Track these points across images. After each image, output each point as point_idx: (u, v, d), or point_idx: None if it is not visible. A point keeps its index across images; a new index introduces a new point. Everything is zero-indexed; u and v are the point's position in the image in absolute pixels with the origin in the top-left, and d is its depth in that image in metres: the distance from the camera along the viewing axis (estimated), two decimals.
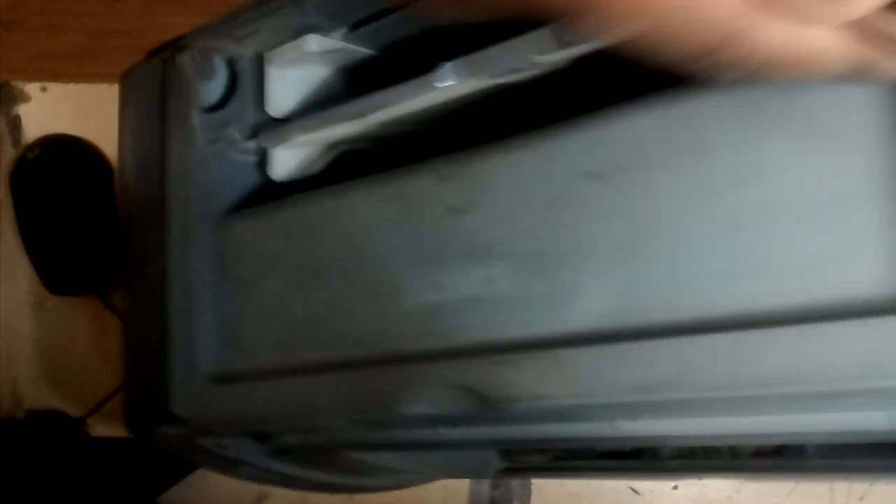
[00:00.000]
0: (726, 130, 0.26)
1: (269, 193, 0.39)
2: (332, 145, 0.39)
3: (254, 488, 0.65)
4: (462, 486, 0.60)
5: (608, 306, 0.28)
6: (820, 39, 0.19)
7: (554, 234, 0.29)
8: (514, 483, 0.59)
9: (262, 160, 0.40)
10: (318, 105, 0.38)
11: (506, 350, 0.29)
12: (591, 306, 0.28)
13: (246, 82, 0.39)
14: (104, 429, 0.68)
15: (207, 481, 0.65)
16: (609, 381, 0.26)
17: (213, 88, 0.39)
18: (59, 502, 0.54)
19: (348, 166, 0.38)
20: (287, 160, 0.39)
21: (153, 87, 0.40)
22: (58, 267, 0.67)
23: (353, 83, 0.40)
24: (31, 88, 0.72)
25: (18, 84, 0.72)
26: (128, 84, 0.42)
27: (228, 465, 0.44)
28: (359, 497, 0.62)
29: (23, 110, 0.71)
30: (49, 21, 0.72)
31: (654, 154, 0.27)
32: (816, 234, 0.24)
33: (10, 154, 0.70)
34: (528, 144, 0.30)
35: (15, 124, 0.71)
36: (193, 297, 0.38)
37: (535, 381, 0.28)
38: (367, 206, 0.34)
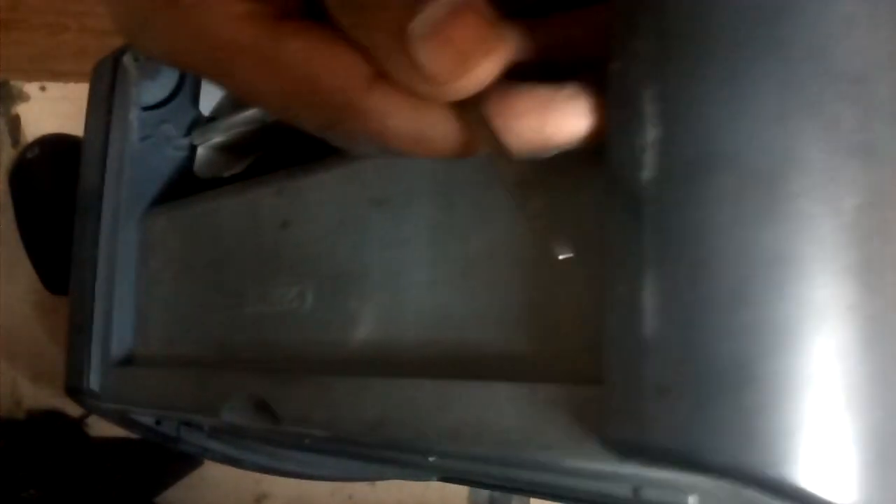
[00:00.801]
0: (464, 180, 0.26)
1: (198, 191, 0.41)
2: (253, 147, 0.40)
3: (254, 488, 0.65)
4: (462, 486, 0.60)
5: (367, 338, 0.28)
6: (433, 117, 0.19)
7: (346, 257, 0.29)
8: None
9: (192, 157, 0.42)
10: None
11: (297, 368, 0.29)
12: (358, 335, 0.28)
13: (188, 83, 0.42)
14: (104, 429, 0.68)
15: (207, 481, 0.65)
16: (346, 414, 0.26)
17: (157, 88, 0.41)
18: (59, 502, 0.54)
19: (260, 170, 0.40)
20: (211, 158, 0.41)
21: (105, 83, 0.42)
22: (57, 266, 0.67)
23: None
24: (31, 88, 0.72)
25: (18, 83, 0.72)
26: (91, 78, 0.44)
27: (170, 441, 0.45)
28: (357, 497, 0.62)
29: (22, 110, 0.71)
30: (48, 20, 0.72)
31: (424, 186, 0.27)
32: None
33: (9, 153, 0.70)
34: (335, 165, 0.30)
35: (14, 124, 0.71)
36: (114, 284, 0.40)
37: (308, 405, 0.28)
38: (231, 211, 0.36)
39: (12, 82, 0.72)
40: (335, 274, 0.29)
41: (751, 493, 0.17)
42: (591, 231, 0.21)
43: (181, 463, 0.63)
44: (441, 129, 0.19)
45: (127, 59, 0.41)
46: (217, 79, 0.21)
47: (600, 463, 0.20)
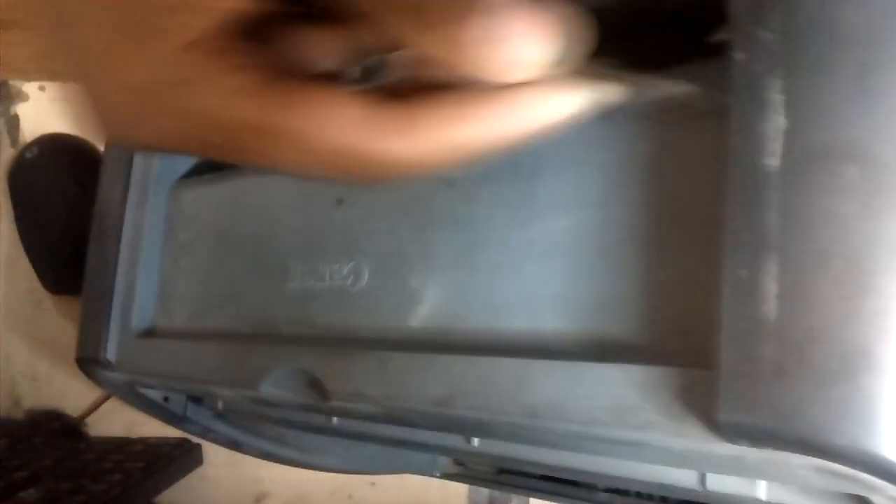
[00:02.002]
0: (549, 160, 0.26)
1: (221, 165, 0.41)
2: None
3: (254, 488, 0.65)
4: (461, 485, 0.60)
5: (432, 316, 0.28)
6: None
7: (409, 236, 0.29)
8: None
9: None
10: None
11: (353, 345, 0.29)
12: (420, 312, 0.28)
13: None
14: (103, 428, 0.68)
15: (207, 481, 0.65)
16: (408, 390, 0.26)
17: None
18: (59, 502, 0.54)
19: None
20: None
21: None
22: (56, 266, 0.67)
23: None
24: (30, 87, 0.72)
25: (17, 83, 0.72)
26: None
27: (175, 421, 0.45)
28: (357, 496, 0.62)
29: (21, 109, 0.71)
30: None
31: (499, 169, 0.27)
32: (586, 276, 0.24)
33: (8, 153, 0.70)
34: None
35: (13, 123, 0.71)
36: (140, 255, 0.40)
37: (365, 380, 0.28)
38: (275, 188, 0.35)
39: (11, 82, 0.72)
40: (395, 252, 0.29)
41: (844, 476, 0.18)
42: (696, 216, 0.22)
43: (181, 463, 0.63)
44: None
45: None
46: (231, 158, 0.20)
47: (699, 443, 0.21)
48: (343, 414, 0.33)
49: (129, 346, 0.40)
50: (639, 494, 0.42)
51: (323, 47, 0.20)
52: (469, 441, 0.32)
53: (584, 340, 0.24)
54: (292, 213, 0.34)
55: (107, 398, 0.67)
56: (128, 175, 0.41)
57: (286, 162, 0.19)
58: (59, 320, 0.70)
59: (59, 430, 0.66)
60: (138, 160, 0.41)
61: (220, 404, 0.42)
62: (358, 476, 0.60)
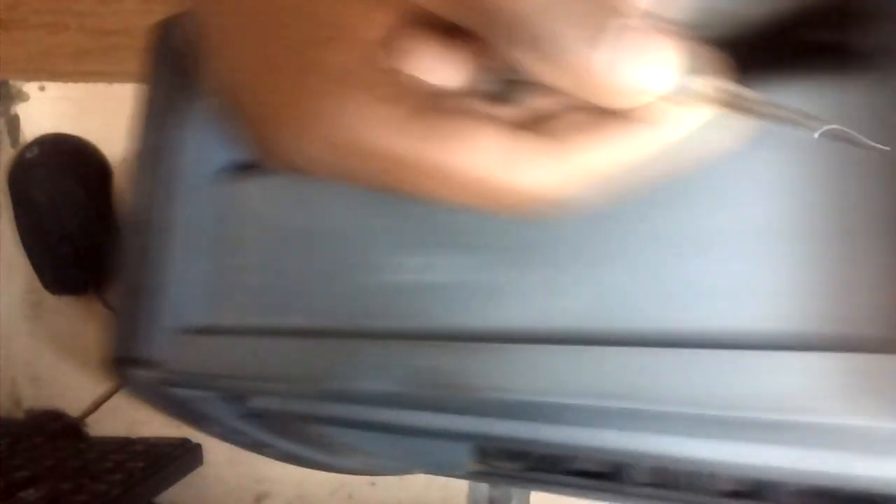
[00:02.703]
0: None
1: None
2: None
3: (254, 488, 0.65)
4: (462, 485, 0.60)
5: (589, 309, 0.27)
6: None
7: (543, 229, 0.29)
8: None
9: None
10: None
11: (481, 339, 0.29)
12: (572, 307, 0.28)
13: None
14: (103, 428, 0.68)
15: (207, 481, 0.65)
16: (585, 383, 0.26)
17: None
18: (59, 502, 0.54)
19: None
20: None
21: (178, 41, 0.41)
22: (56, 266, 0.67)
23: None
24: (30, 87, 0.72)
25: (17, 83, 0.72)
26: (156, 35, 0.43)
27: (200, 421, 0.44)
28: (357, 496, 0.62)
29: (21, 109, 0.71)
30: (48, 20, 0.72)
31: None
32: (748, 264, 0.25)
33: (8, 153, 0.70)
34: None
35: (13, 123, 0.71)
36: (184, 250, 0.39)
37: (508, 374, 0.28)
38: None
39: (11, 82, 0.72)
40: (509, 247, 0.29)
41: None
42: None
43: (182, 463, 0.63)
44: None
45: None
46: (379, 188, 0.20)
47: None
48: (460, 410, 0.32)
49: (175, 345, 0.38)
50: (682, 485, 0.42)
51: (456, 66, 0.20)
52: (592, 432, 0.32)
53: (767, 330, 0.24)
54: (381, 208, 0.33)
55: (107, 398, 0.67)
56: (167, 168, 0.39)
57: (433, 192, 0.19)
58: (59, 320, 0.70)
59: (59, 430, 0.66)
60: (177, 153, 0.39)
61: (259, 403, 0.41)
62: (358, 476, 0.60)
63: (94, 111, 0.70)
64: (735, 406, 0.23)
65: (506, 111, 0.20)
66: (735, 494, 0.43)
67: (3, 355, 0.69)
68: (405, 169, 0.19)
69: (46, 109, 0.71)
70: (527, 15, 0.17)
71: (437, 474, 0.59)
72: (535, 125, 0.19)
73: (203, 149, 0.39)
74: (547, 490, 0.50)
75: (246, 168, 0.39)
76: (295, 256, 0.36)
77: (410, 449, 0.49)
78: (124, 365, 0.39)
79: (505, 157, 0.19)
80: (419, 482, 0.61)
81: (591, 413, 0.27)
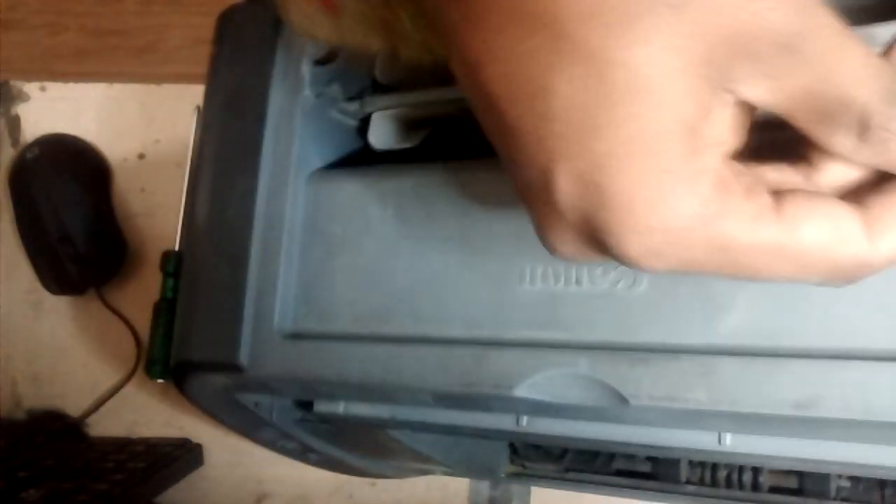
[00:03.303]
0: None
1: (361, 158, 0.39)
2: (429, 121, 0.39)
3: (254, 488, 0.65)
4: (462, 485, 0.60)
5: (762, 321, 0.28)
6: None
7: None
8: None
9: (362, 124, 0.39)
10: (426, 80, 0.37)
11: (646, 350, 0.29)
12: (744, 320, 0.28)
13: None
14: (104, 429, 0.68)
15: (208, 481, 0.65)
16: (765, 394, 0.27)
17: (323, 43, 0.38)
18: (59, 502, 0.54)
19: (441, 143, 0.38)
20: (388, 129, 0.38)
21: (263, 29, 0.39)
22: (56, 266, 0.67)
23: None
24: (31, 88, 0.72)
25: (17, 83, 0.72)
26: (227, 23, 0.41)
27: (252, 426, 0.43)
28: (358, 497, 0.62)
29: (22, 110, 0.71)
30: (48, 21, 0.72)
31: None
32: None
33: (8, 153, 0.70)
34: None
35: (14, 124, 0.71)
36: (278, 249, 0.37)
37: (681, 384, 0.28)
38: (495, 187, 0.33)
39: (12, 82, 0.72)
40: None
41: None
42: None
43: (182, 463, 0.63)
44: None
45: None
46: (729, 277, 0.20)
47: None
48: (611, 420, 0.33)
49: (269, 350, 0.36)
50: (727, 482, 0.43)
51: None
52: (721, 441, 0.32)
53: None
54: (521, 215, 0.33)
55: (108, 398, 0.67)
56: (257, 164, 0.38)
57: (776, 274, 0.20)
58: (59, 320, 0.70)
59: (60, 430, 0.66)
60: (269, 147, 0.38)
61: (325, 408, 0.40)
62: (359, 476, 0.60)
63: (94, 112, 0.70)
64: None
65: (823, 184, 0.20)
66: (776, 490, 0.43)
67: (3, 355, 0.69)
68: (763, 257, 0.19)
69: (47, 110, 0.71)
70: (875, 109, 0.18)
71: (472, 477, 0.59)
72: (864, 198, 0.20)
73: (306, 145, 0.38)
74: (585, 490, 0.50)
75: (344, 167, 0.39)
76: (414, 260, 0.35)
77: (460, 451, 0.49)
78: (202, 370, 0.38)
79: (859, 239, 0.19)
80: (419, 482, 0.61)
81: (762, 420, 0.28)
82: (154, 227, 0.68)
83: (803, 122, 0.19)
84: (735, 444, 0.31)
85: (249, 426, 0.43)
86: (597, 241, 0.20)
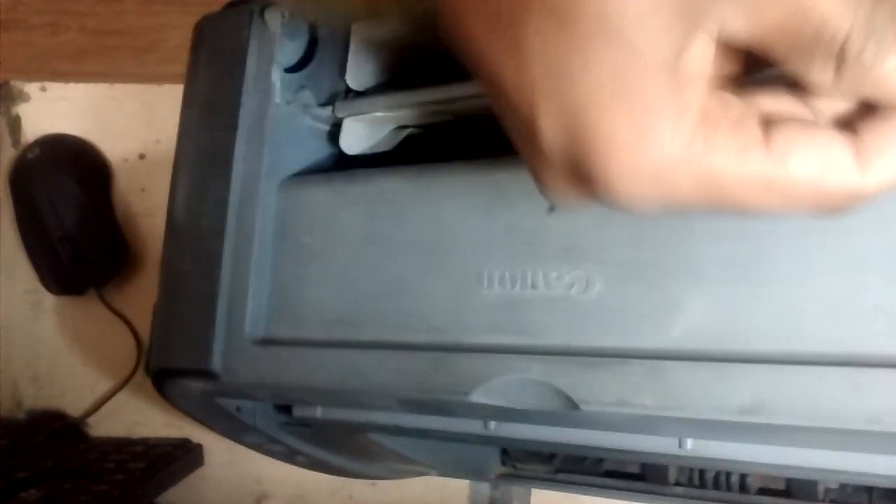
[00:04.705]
0: None
1: (334, 163, 0.39)
2: (403, 125, 0.39)
3: (254, 488, 0.65)
4: (462, 485, 0.60)
5: (714, 326, 0.28)
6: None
7: (661, 247, 0.29)
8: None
9: (334, 130, 0.40)
10: (400, 85, 0.38)
11: (597, 354, 0.29)
12: (695, 324, 0.28)
13: (325, 48, 0.39)
14: (104, 429, 0.68)
15: (208, 482, 0.65)
16: (712, 399, 0.27)
17: (294, 49, 0.39)
18: (59, 502, 0.54)
19: (413, 146, 0.38)
20: (360, 134, 0.39)
21: (234, 38, 0.39)
22: (56, 266, 0.67)
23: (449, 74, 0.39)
24: (31, 88, 0.72)
25: (18, 84, 0.72)
26: (203, 32, 0.41)
27: (238, 431, 0.43)
28: (358, 497, 0.62)
29: (22, 110, 0.71)
30: (48, 20, 0.72)
31: None
32: None
33: (9, 154, 0.70)
34: None
35: (14, 124, 0.71)
36: (249, 256, 0.37)
37: (630, 389, 0.28)
38: (459, 191, 0.33)
39: (12, 82, 0.72)
40: (641, 262, 0.29)
41: None
42: None
43: (182, 463, 0.63)
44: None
45: (272, 15, 0.38)
46: (714, 210, 0.20)
47: None
48: (570, 425, 0.33)
49: (241, 357, 0.36)
50: (715, 483, 0.44)
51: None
52: (682, 445, 0.32)
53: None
54: (482, 219, 0.33)
55: (108, 398, 0.67)
56: (229, 172, 0.38)
57: (765, 207, 0.19)
58: (59, 321, 0.70)
59: (60, 430, 0.66)
60: (240, 155, 0.38)
61: (306, 413, 0.40)
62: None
63: (94, 112, 0.70)
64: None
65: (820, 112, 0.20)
66: (764, 491, 0.44)
67: (4, 355, 0.69)
68: (749, 190, 0.19)
69: (47, 110, 0.71)
70: (855, 34, 0.17)
71: (464, 478, 0.59)
72: (853, 127, 0.19)
73: (277, 153, 0.38)
74: (576, 491, 0.50)
75: (315, 174, 0.39)
76: (381, 266, 0.35)
77: (447, 454, 0.50)
78: (179, 376, 0.38)
79: (850, 166, 0.19)
80: (419, 483, 0.61)
81: (715, 426, 0.28)
82: (154, 227, 0.68)
83: (781, 54, 0.18)
84: (697, 448, 0.32)
85: (234, 430, 0.43)
86: (586, 185, 0.20)
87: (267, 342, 0.36)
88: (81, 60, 0.71)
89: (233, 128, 0.38)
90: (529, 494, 0.59)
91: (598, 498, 0.51)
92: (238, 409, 0.41)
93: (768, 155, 0.19)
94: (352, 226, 0.36)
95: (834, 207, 0.19)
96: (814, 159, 0.19)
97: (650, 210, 0.20)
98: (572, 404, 0.29)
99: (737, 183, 0.19)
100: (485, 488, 0.60)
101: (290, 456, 0.47)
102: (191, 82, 0.41)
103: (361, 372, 0.34)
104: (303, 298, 0.36)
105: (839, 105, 0.20)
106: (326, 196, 0.37)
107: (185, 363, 0.38)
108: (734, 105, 0.19)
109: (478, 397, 0.31)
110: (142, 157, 0.70)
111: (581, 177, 0.19)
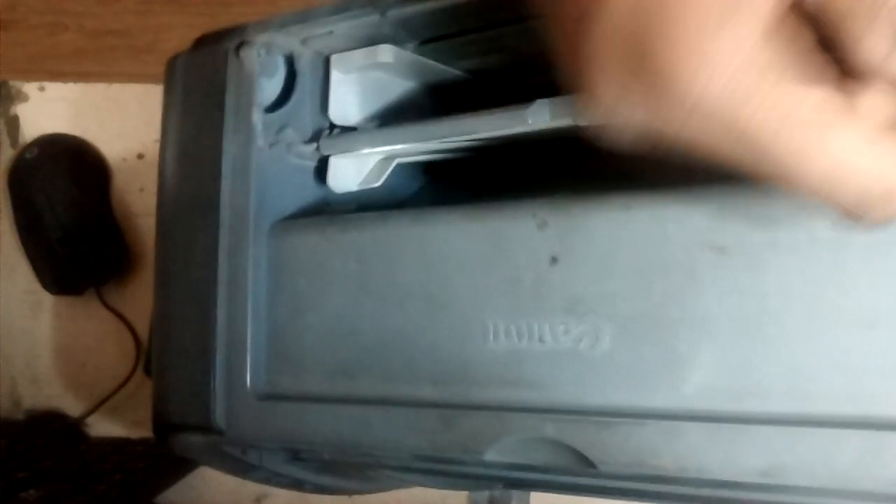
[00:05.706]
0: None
1: (324, 201, 0.38)
2: (389, 158, 0.38)
3: (254, 488, 0.65)
4: None
5: (728, 384, 0.27)
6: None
7: (669, 302, 0.28)
8: None
9: (320, 166, 0.38)
10: (384, 117, 0.37)
11: (611, 413, 0.28)
12: (709, 382, 0.27)
13: (305, 83, 0.38)
14: (104, 429, 0.68)
15: (207, 481, 0.65)
16: (730, 462, 0.26)
17: (273, 87, 0.37)
18: (59, 502, 0.54)
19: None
20: (348, 171, 0.37)
21: (210, 79, 0.38)
22: (55, 266, 0.67)
23: (432, 103, 0.39)
24: (30, 88, 0.72)
25: (17, 83, 0.71)
26: (175, 72, 0.40)
27: (244, 470, 0.43)
28: (358, 497, 0.62)
29: (21, 110, 0.71)
30: (47, 20, 0.72)
31: (789, 238, 0.26)
32: None
33: (8, 154, 0.70)
34: (648, 204, 0.29)
35: (13, 124, 0.71)
36: (244, 307, 0.36)
37: (647, 450, 0.27)
38: (457, 238, 0.32)
39: (11, 82, 0.72)
40: (650, 316, 0.28)
41: None
42: None
43: (182, 463, 0.63)
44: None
45: (247, 53, 0.37)
46: (744, 171, 0.19)
47: None
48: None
49: (243, 411, 0.36)
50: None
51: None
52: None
53: None
54: (482, 268, 0.32)
55: (107, 398, 0.67)
56: (216, 220, 0.37)
57: (793, 173, 0.19)
58: (58, 321, 0.70)
59: (59, 430, 0.66)
60: (227, 201, 0.37)
61: (327, 455, 0.39)
62: None
63: (93, 112, 0.70)
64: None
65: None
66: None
67: (3, 355, 0.69)
68: (788, 154, 0.18)
69: (46, 110, 0.71)
70: None
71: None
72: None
73: (263, 197, 0.37)
74: (577, 494, 0.50)
75: (306, 217, 0.37)
76: (380, 316, 0.34)
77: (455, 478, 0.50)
78: (182, 431, 0.38)
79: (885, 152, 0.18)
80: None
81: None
82: (153, 227, 0.68)
83: (836, 15, 0.17)
84: (713, 492, 0.31)
85: (241, 470, 0.42)
86: (643, 72, 0.19)
87: (271, 397, 0.36)
88: (80, 60, 0.71)
89: (216, 175, 0.37)
90: (529, 494, 0.59)
91: (597, 498, 0.51)
92: (244, 451, 0.40)
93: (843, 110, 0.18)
94: (346, 274, 0.35)
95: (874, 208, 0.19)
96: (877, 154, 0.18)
97: (694, 125, 0.19)
98: (589, 463, 0.28)
99: (788, 125, 0.18)
100: None
101: (296, 485, 0.47)
102: (167, 126, 0.40)
103: (370, 428, 0.33)
104: (303, 348, 0.35)
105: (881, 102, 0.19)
106: (318, 242, 0.36)
107: (187, 419, 0.37)
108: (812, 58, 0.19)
109: (492, 456, 0.30)
110: (140, 156, 0.70)
111: (641, 60, 0.19)
